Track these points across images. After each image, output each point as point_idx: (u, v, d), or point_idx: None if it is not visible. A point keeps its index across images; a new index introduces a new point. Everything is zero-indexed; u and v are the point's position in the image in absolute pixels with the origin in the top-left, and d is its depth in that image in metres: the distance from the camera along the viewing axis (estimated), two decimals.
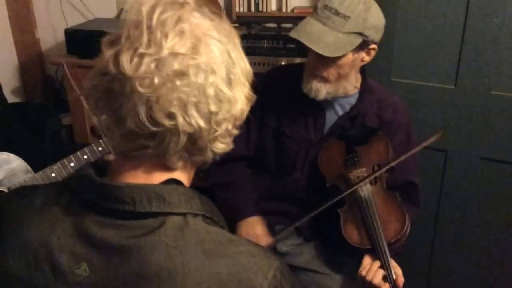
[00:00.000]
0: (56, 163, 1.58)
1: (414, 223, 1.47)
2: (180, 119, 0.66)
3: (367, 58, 1.46)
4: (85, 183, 0.72)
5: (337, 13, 1.35)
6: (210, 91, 0.67)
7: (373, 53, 1.45)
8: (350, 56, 1.40)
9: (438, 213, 2.08)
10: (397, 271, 1.34)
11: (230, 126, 0.72)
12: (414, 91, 1.95)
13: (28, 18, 2.83)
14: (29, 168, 1.57)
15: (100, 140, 1.65)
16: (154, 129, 0.66)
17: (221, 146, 0.73)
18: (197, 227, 0.70)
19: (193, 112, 0.67)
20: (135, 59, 0.65)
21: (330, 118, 1.56)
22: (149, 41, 0.65)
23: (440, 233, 2.10)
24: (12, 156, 1.55)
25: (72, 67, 2.39)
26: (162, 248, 0.67)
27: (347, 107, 1.55)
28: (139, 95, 0.65)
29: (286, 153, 1.60)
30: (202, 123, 0.68)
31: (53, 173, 1.58)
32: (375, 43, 1.43)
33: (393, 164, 1.43)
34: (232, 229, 1.53)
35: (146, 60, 0.65)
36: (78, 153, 1.61)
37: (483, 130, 1.89)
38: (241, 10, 2.60)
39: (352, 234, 1.41)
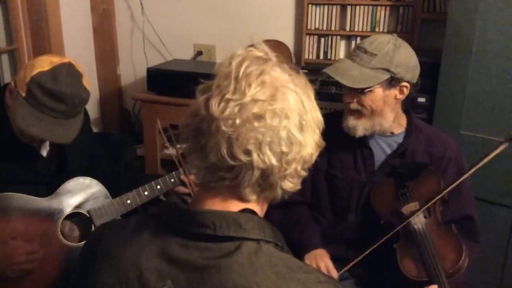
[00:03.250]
0: (132, 190, 1.69)
1: (477, 282, 1.44)
2: (255, 156, 0.75)
3: (400, 96, 1.52)
4: (172, 210, 0.82)
5: (366, 52, 1.48)
6: (283, 133, 0.76)
7: (406, 91, 1.51)
8: (379, 92, 1.48)
9: (503, 271, 2.00)
10: None
11: (299, 167, 0.80)
12: (484, 145, 1.92)
13: (112, 55, 3.05)
14: (108, 193, 1.68)
15: (173, 172, 1.75)
16: (232, 163, 0.76)
17: (290, 185, 0.81)
18: (270, 252, 0.77)
19: (266, 150, 0.76)
20: (222, 104, 0.76)
21: (379, 157, 1.60)
22: (235, 89, 0.76)
23: None
24: (94, 181, 1.66)
25: (150, 103, 2.55)
26: (239, 268, 0.74)
27: (395, 146, 1.58)
28: (222, 133, 0.75)
29: (339, 195, 1.64)
30: (274, 161, 0.76)
31: (129, 200, 1.68)
32: (407, 81, 1.49)
33: (446, 191, 1.43)
34: None
35: (231, 104, 0.75)
36: (153, 183, 1.72)
37: None
38: (310, 57, 2.70)
39: (409, 268, 1.42)
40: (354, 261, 1.48)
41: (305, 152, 0.80)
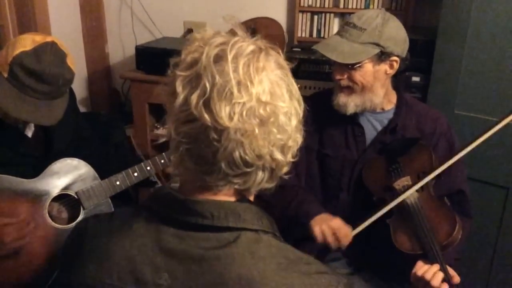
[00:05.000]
0: (121, 172, 1.66)
1: (470, 259, 1.44)
2: (267, 157, 0.73)
3: (390, 71, 1.51)
4: (165, 200, 0.79)
5: (355, 26, 1.46)
6: (288, 129, 0.75)
7: (396, 65, 1.50)
8: (369, 67, 1.47)
9: (495, 249, 2.01)
10: (452, 272, 1.33)
11: (294, 154, 0.79)
12: (478, 125, 1.90)
13: (100, 33, 2.99)
14: (96, 175, 1.65)
15: (163, 153, 1.72)
16: (247, 169, 0.73)
17: (286, 169, 0.79)
18: (270, 243, 0.76)
19: (276, 150, 0.74)
20: (227, 108, 0.69)
21: (370, 134, 1.59)
22: (238, 91, 0.70)
23: (498, 273, 2.03)
24: (82, 162, 1.63)
25: (139, 82, 2.50)
26: (240, 258, 0.72)
27: (385, 122, 1.58)
28: (234, 141, 0.70)
29: (330, 174, 1.63)
30: (280, 156, 0.75)
31: (118, 181, 1.65)
32: (396, 56, 1.48)
33: (440, 170, 1.42)
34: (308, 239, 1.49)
35: (237, 109, 0.70)
36: (142, 164, 1.69)
37: None
38: (303, 35, 2.65)
39: (403, 242, 1.42)
40: (366, 223, 1.45)
41: (299, 141, 0.79)
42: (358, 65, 1.45)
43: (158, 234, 0.77)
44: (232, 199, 0.79)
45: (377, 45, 1.44)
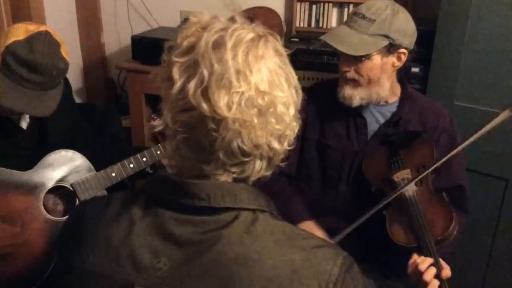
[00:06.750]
0: (116, 163, 1.65)
1: (468, 251, 1.43)
2: (265, 147, 0.73)
3: (398, 63, 1.50)
4: (162, 183, 0.77)
5: (364, 17, 1.43)
6: (287, 119, 0.74)
7: (403, 58, 1.49)
8: (378, 59, 1.45)
9: (494, 240, 2.01)
10: (444, 264, 1.32)
11: (291, 142, 0.79)
12: (478, 116, 1.89)
13: (95, 22, 2.94)
14: (92, 166, 1.63)
15: (159, 144, 1.71)
16: (244, 159, 0.73)
17: (282, 157, 0.79)
18: (267, 221, 0.76)
19: (274, 139, 0.73)
20: (226, 98, 0.68)
21: (372, 127, 1.58)
22: (237, 79, 0.69)
23: (494, 270, 2.02)
24: (77, 154, 1.61)
25: (135, 72, 2.47)
26: (237, 239, 0.72)
27: (388, 115, 1.57)
28: (232, 131, 0.69)
29: (330, 165, 1.62)
30: (277, 145, 0.74)
31: (114, 172, 1.64)
32: (405, 48, 1.46)
33: (444, 160, 1.41)
34: None
35: (235, 98, 0.69)
36: (138, 155, 1.67)
37: None
38: (301, 25, 2.62)
39: (398, 234, 1.41)
40: (348, 230, 1.45)
41: (295, 130, 0.78)
42: (366, 57, 1.43)
43: (156, 218, 0.76)
44: (227, 179, 0.78)
45: (387, 37, 1.42)
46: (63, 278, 0.81)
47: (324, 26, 2.58)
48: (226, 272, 0.70)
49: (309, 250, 0.73)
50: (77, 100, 2.97)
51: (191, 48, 0.71)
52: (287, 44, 2.33)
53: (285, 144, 0.76)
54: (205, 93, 0.69)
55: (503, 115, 1.34)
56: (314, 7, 2.58)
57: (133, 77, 2.51)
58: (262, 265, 0.70)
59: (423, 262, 1.29)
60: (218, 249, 0.71)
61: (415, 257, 1.32)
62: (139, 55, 2.46)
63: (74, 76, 2.93)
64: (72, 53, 2.90)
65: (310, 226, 1.53)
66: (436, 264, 1.29)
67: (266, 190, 1.55)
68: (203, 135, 0.71)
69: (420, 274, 1.28)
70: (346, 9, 2.55)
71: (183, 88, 0.70)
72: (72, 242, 0.82)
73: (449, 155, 1.40)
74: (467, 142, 1.38)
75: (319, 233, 1.51)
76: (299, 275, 0.70)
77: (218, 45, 0.70)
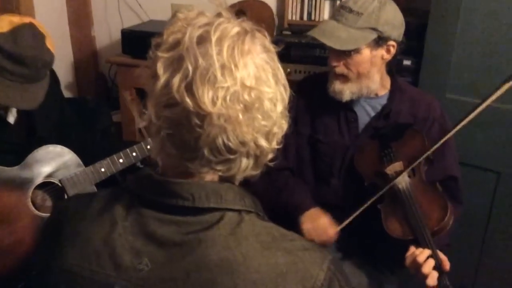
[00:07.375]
0: (106, 158, 1.63)
1: (460, 244, 1.42)
2: (252, 144, 0.71)
3: (387, 56, 1.49)
4: (145, 182, 0.76)
5: (351, 11, 1.42)
6: (273, 115, 0.72)
7: (392, 50, 1.48)
8: (367, 53, 1.44)
9: (486, 233, 2.01)
10: (442, 256, 1.32)
11: (279, 141, 0.77)
12: (470, 109, 1.88)
13: (86, 16, 2.90)
14: (81, 162, 1.62)
15: (149, 139, 1.69)
16: (230, 156, 0.71)
17: (271, 156, 0.77)
18: (253, 222, 0.74)
19: (261, 136, 0.72)
20: (210, 93, 0.67)
21: (363, 120, 1.58)
22: (222, 74, 0.67)
23: (486, 262, 2.03)
24: (65, 149, 1.59)
25: (126, 66, 2.44)
26: (222, 240, 0.70)
27: (379, 108, 1.56)
28: (217, 127, 0.68)
29: (322, 160, 1.61)
30: (264, 143, 0.72)
31: (103, 168, 1.62)
32: (393, 40, 1.45)
33: (436, 146, 1.41)
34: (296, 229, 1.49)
35: (220, 93, 0.67)
36: (128, 150, 1.65)
37: None
38: (294, 18, 2.60)
39: (394, 227, 1.40)
40: (350, 218, 1.45)
41: (284, 128, 0.77)
42: (355, 51, 1.42)
43: (139, 217, 0.74)
44: (213, 179, 0.76)
45: (375, 30, 1.41)
46: (43, 277, 0.80)
47: (316, 19, 2.55)
48: (209, 276, 0.69)
49: (295, 253, 0.72)
50: (68, 94, 2.94)
51: (176, 44, 0.70)
52: (279, 37, 2.31)
53: (274, 142, 0.75)
54: (190, 88, 0.67)
55: (504, 88, 1.33)
56: (306, 0, 2.56)
57: (124, 71, 2.49)
58: (247, 268, 0.69)
59: (421, 254, 1.28)
60: (202, 251, 0.70)
61: (413, 249, 1.32)
62: (129, 49, 2.43)
63: (65, 70, 2.90)
64: (62, 46, 2.90)
65: (317, 213, 1.51)
66: (434, 255, 1.29)
67: (272, 188, 1.57)
68: (187, 131, 0.69)
69: (418, 266, 1.27)
70: (338, 2, 2.53)
71: (168, 84, 0.69)
72: (52, 240, 0.80)
73: (441, 141, 1.40)
74: (458, 127, 1.38)
75: (326, 219, 1.49)
76: (284, 279, 0.70)
77: (203, 39, 0.69)
